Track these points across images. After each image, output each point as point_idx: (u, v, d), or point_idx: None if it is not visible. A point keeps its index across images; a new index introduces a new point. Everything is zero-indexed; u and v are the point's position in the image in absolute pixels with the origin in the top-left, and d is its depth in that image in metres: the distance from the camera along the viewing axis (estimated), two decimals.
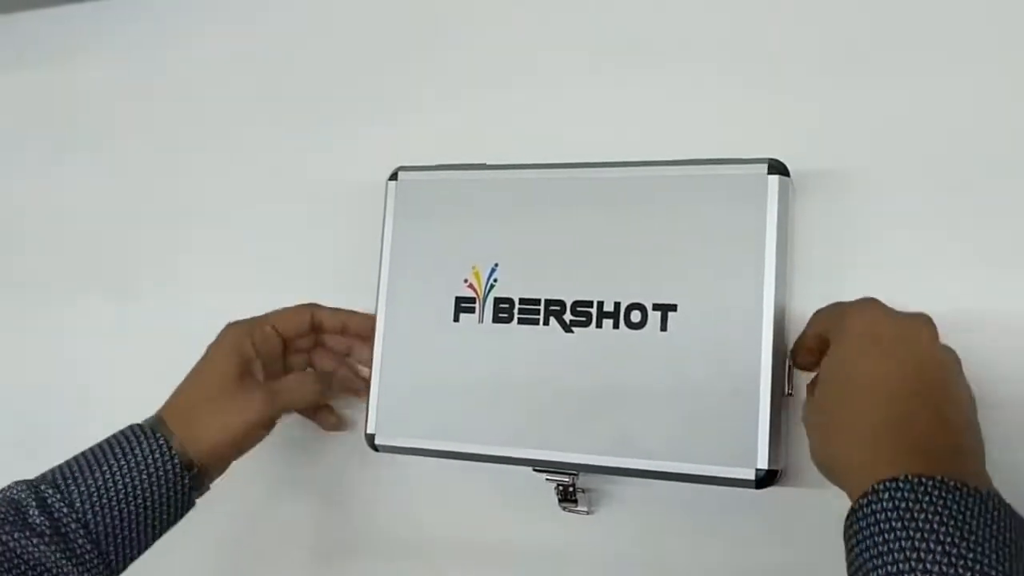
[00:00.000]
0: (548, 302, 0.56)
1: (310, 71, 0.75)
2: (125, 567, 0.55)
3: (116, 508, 0.53)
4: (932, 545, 0.36)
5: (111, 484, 0.53)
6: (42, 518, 0.51)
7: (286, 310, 0.63)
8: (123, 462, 0.54)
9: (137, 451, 0.55)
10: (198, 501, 0.59)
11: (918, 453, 0.41)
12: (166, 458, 0.55)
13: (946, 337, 0.47)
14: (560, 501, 0.59)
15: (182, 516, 0.57)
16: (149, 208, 0.78)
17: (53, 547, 0.51)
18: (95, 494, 0.53)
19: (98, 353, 0.78)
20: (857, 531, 0.39)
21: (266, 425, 0.60)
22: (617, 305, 0.55)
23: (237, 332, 0.61)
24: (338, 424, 0.65)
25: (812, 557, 0.51)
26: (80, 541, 0.52)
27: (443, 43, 0.71)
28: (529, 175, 0.59)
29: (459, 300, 0.58)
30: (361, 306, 0.64)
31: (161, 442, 0.55)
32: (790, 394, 0.54)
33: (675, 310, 0.53)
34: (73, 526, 0.52)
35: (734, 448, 0.51)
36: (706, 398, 0.52)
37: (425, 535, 0.65)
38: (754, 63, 0.61)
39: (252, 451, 0.60)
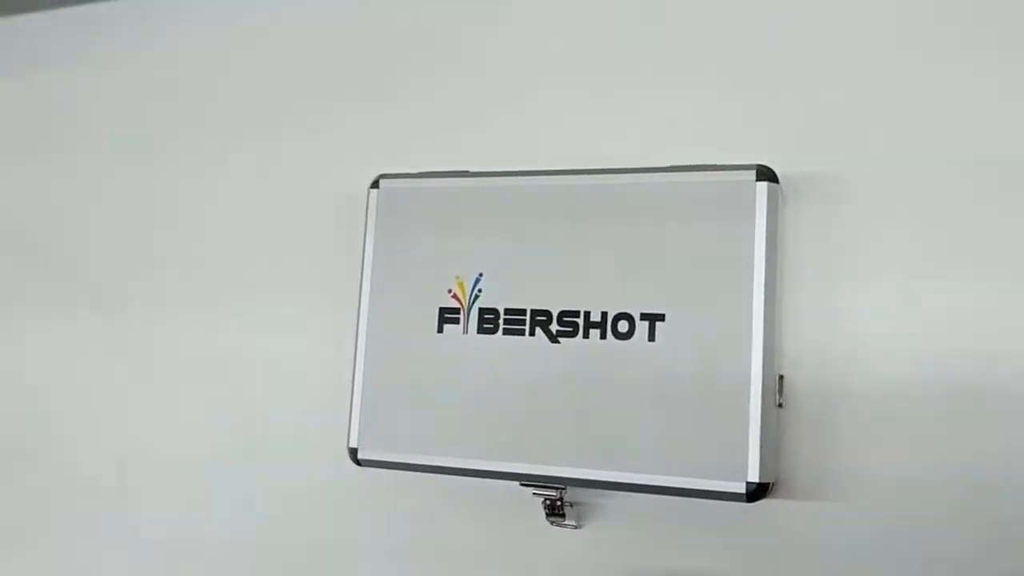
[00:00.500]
0: (534, 312, 0.55)
1: (291, 80, 0.74)
2: None
3: None
4: None
5: None
6: None
7: None
8: None
9: None
10: None
11: None
12: None
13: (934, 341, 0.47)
14: (548, 515, 0.58)
15: None
16: (123, 218, 0.77)
17: None
18: None
19: (69, 369, 0.76)
20: None
21: None
22: (604, 315, 0.54)
23: None
24: None
25: (804, 570, 0.50)
26: None
27: (425, 53, 0.70)
28: (513, 183, 0.58)
29: (443, 311, 0.57)
30: (343, 316, 0.62)
31: None
32: (781, 405, 0.53)
33: (663, 320, 0.52)
34: None
35: (724, 461, 0.50)
36: (695, 410, 0.51)
37: (410, 549, 0.64)
38: (741, 69, 0.61)
39: None
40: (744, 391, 0.50)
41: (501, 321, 0.56)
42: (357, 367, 0.59)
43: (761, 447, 0.49)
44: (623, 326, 0.53)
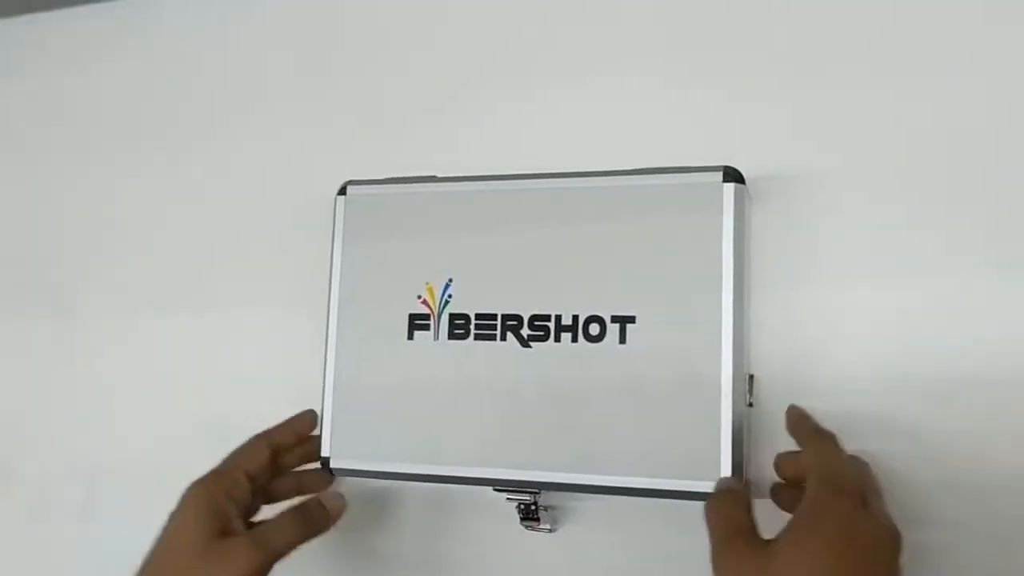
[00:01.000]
0: (505, 317, 0.55)
1: (256, 86, 0.73)
2: None
3: None
4: None
5: None
6: None
7: (245, 450, 0.58)
8: None
9: None
10: None
11: None
12: None
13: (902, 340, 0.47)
14: (522, 520, 0.58)
15: None
16: (78, 220, 0.76)
17: None
18: None
19: (31, 375, 0.75)
20: None
21: None
22: (575, 318, 0.54)
23: (210, 488, 0.55)
24: (341, 506, 0.59)
25: None
26: None
27: (390, 59, 0.69)
28: (482, 187, 0.58)
29: (413, 317, 0.57)
30: (312, 324, 0.62)
31: None
32: (751, 405, 0.53)
33: (633, 322, 0.53)
34: None
35: (696, 461, 0.50)
36: (667, 410, 0.51)
37: (383, 555, 0.63)
38: (707, 71, 0.61)
39: None
40: (715, 390, 0.50)
41: (472, 326, 0.55)
42: (327, 376, 0.58)
43: (732, 446, 0.50)
44: (594, 329, 0.53)
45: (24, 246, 0.77)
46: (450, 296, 0.56)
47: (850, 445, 0.49)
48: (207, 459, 0.64)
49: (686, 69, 0.62)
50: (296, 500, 0.58)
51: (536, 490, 0.55)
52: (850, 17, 0.58)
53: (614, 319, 0.53)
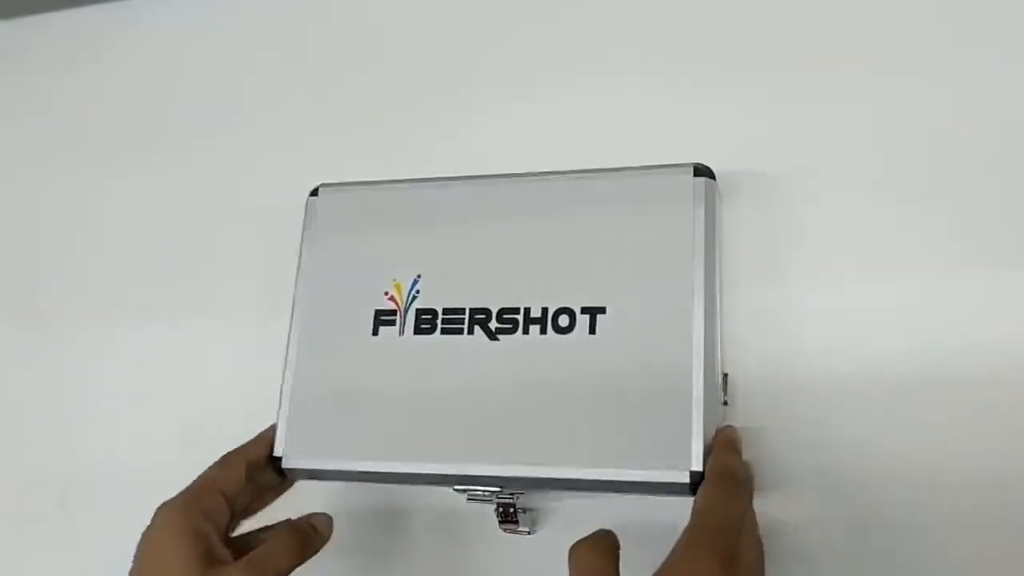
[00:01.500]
0: (472, 311, 0.54)
1: (248, 89, 0.74)
2: None
3: None
4: None
5: None
6: None
7: (220, 468, 0.54)
8: None
9: None
10: None
11: None
12: None
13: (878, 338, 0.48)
14: (500, 522, 0.56)
15: None
16: (58, 229, 0.76)
17: None
18: None
19: (3, 382, 0.74)
20: None
21: None
22: (544, 311, 0.53)
23: (184, 511, 0.50)
24: (330, 528, 0.56)
25: None
26: None
27: (358, 63, 0.70)
28: (451, 186, 0.58)
29: (379, 313, 0.56)
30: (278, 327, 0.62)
31: None
32: (726, 403, 0.52)
33: (604, 312, 0.52)
34: None
35: (667, 451, 0.49)
36: (637, 401, 0.50)
37: (357, 558, 0.62)
38: (679, 70, 0.61)
39: None
40: (686, 382, 0.49)
41: (439, 321, 0.55)
42: (286, 373, 0.57)
43: (704, 436, 0.48)
44: (564, 320, 0.52)
45: None
46: (418, 292, 0.56)
47: (826, 446, 0.48)
48: (184, 466, 0.63)
49: (659, 69, 0.62)
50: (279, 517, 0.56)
51: (499, 487, 0.53)
52: (819, 17, 0.59)
53: (584, 310, 0.52)
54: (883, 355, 0.53)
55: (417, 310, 0.55)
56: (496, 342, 0.53)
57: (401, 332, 0.55)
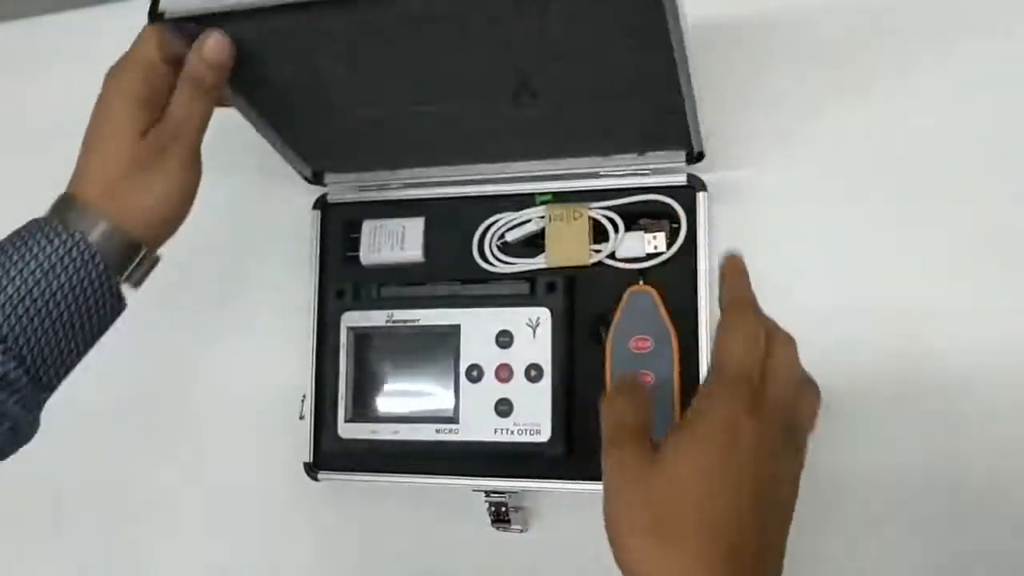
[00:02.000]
0: None
1: None
2: (59, 382, 0.48)
3: (37, 318, 0.45)
4: None
5: (26, 291, 0.45)
6: None
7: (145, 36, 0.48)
8: (30, 263, 0.45)
9: (43, 246, 0.45)
10: None
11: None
12: (82, 251, 0.45)
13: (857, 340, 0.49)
14: (493, 521, 0.58)
15: (116, 317, 0.49)
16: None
17: None
18: (8, 305, 0.44)
19: None
20: None
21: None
22: None
23: (135, 75, 0.47)
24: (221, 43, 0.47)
25: None
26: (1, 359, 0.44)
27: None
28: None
29: None
30: (290, 333, 0.63)
31: (75, 236, 0.45)
32: None
33: None
34: None
35: None
36: None
37: (351, 556, 0.63)
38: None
39: None
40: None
41: None
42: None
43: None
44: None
45: None
46: None
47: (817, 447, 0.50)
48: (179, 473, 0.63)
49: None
50: None
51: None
52: (796, 18, 0.59)
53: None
54: (864, 356, 0.54)
55: None
56: None
57: None
